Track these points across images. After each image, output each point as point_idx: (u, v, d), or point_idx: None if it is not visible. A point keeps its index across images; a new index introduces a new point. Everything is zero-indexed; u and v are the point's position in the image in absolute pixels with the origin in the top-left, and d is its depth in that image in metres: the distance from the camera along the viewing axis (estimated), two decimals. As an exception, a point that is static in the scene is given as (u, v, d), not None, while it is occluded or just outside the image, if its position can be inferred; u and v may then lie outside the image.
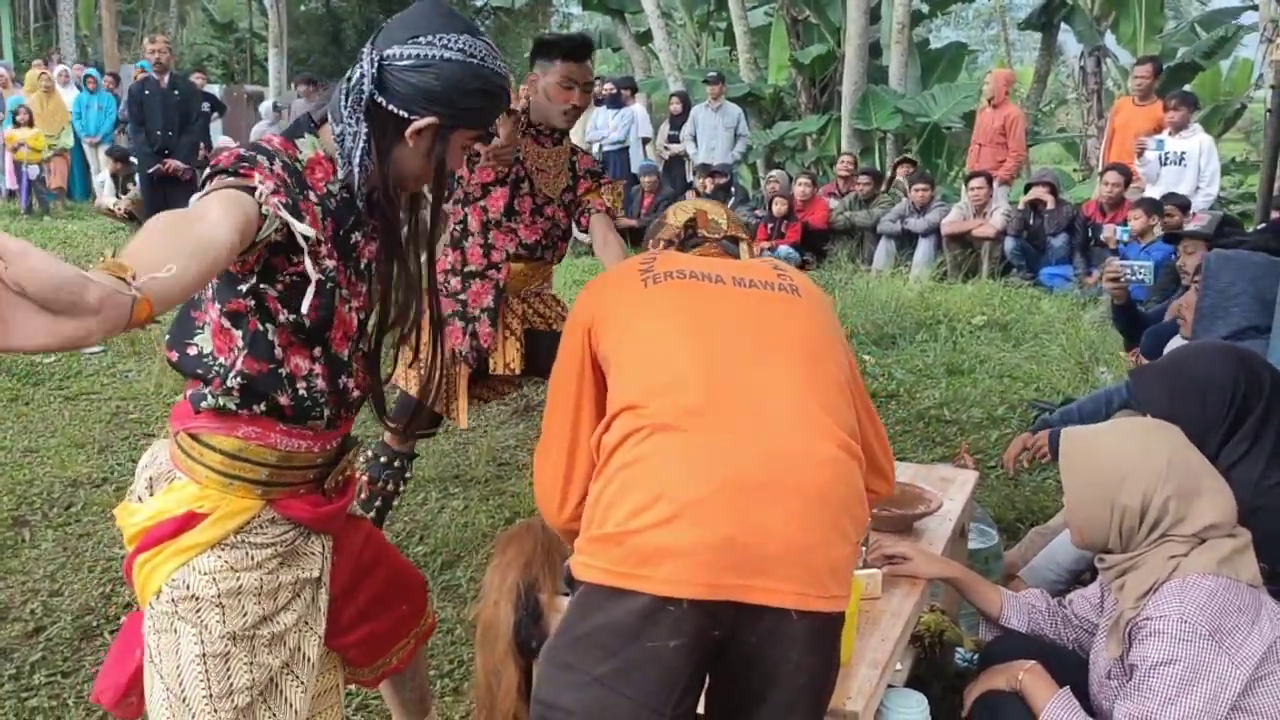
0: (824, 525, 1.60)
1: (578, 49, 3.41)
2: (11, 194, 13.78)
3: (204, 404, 1.79)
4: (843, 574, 1.63)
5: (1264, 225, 5.00)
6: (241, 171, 1.59)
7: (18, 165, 13.34)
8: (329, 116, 1.80)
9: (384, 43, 1.76)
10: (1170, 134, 8.51)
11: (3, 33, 22.76)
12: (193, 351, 1.80)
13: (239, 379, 1.75)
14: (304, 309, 1.71)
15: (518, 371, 3.48)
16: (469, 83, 1.75)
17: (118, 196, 12.17)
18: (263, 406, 1.79)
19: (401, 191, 1.87)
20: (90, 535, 4.02)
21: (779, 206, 10.18)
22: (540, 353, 3.41)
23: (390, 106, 1.75)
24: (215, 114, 10.96)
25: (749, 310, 1.81)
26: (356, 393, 1.94)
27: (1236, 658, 2.02)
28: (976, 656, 2.95)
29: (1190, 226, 5.66)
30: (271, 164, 1.65)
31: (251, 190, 1.54)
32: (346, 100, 1.75)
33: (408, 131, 1.76)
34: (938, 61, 14.70)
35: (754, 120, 14.05)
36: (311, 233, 1.62)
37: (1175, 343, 3.73)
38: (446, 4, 1.82)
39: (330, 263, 1.77)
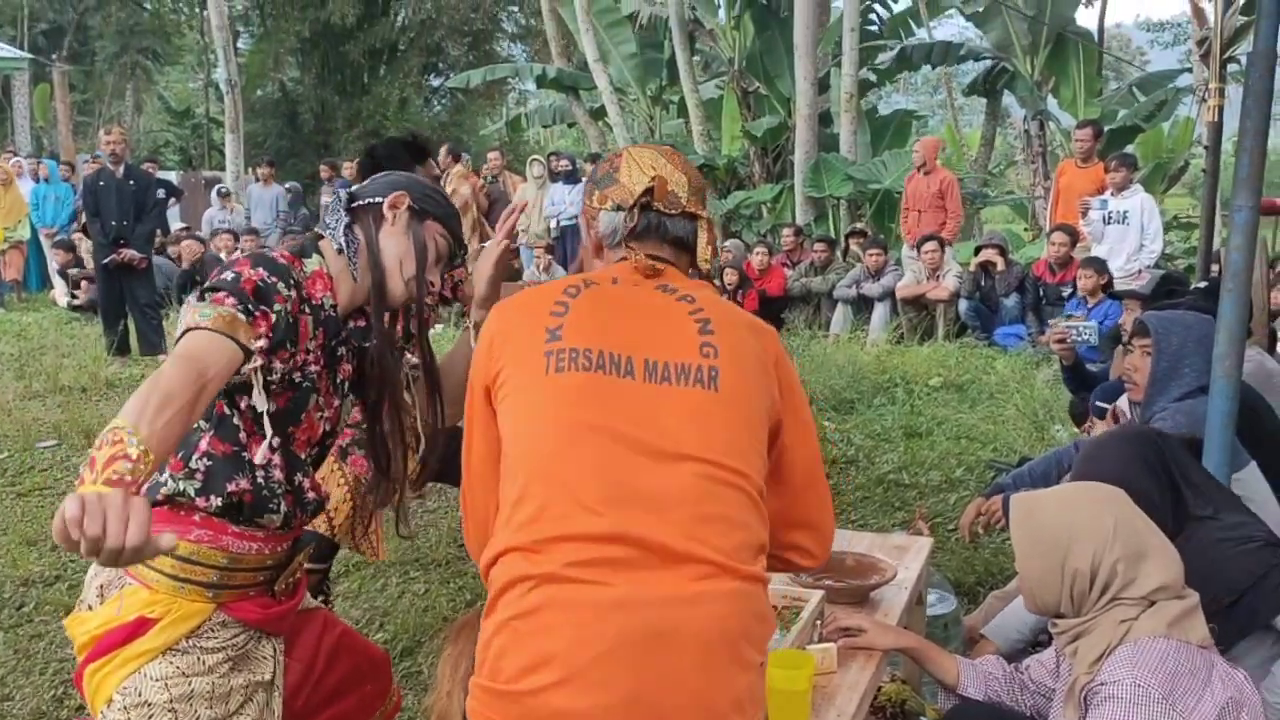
0: (726, 663, 1.53)
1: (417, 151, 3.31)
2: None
3: (162, 490, 1.81)
4: (747, 702, 1.57)
5: (1204, 283, 5.11)
6: (251, 312, 1.74)
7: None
8: (323, 232, 1.99)
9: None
10: (1113, 194, 8.70)
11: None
12: None
13: (204, 460, 1.80)
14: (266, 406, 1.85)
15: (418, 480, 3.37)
16: (424, 187, 2.02)
17: (71, 295, 12.10)
18: (219, 501, 1.82)
19: (389, 289, 1.98)
20: (42, 636, 3.91)
21: (730, 277, 10.27)
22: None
23: (365, 199, 2.00)
24: (172, 200, 10.97)
25: (654, 418, 1.61)
26: (312, 494, 1.98)
27: None
28: (938, 726, 2.93)
29: (1133, 286, 5.77)
30: (289, 292, 1.82)
31: (247, 352, 1.72)
32: (329, 212, 1.97)
33: (385, 206, 1.96)
34: (886, 128, 15.01)
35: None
36: (271, 408, 1.82)
37: (1124, 401, 3.77)
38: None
39: (314, 368, 1.88)
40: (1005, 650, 3.18)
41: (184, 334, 1.68)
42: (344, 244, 1.94)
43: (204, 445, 1.81)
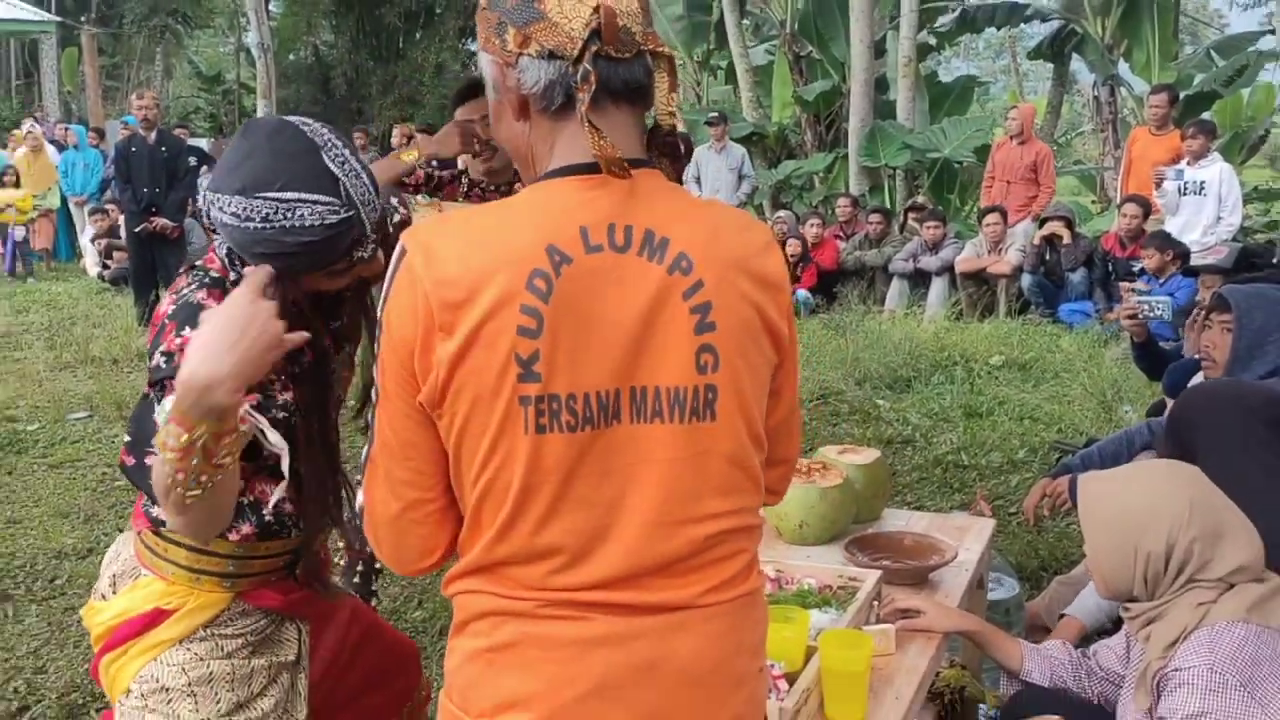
0: (720, 684, 1.39)
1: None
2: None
3: (164, 527, 1.77)
4: (749, 715, 1.44)
5: (1288, 255, 4.91)
6: None
7: (2, 226, 13.24)
8: None
9: (209, 183, 1.71)
10: (1189, 163, 8.43)
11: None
12: (149, 461, 1.73)
13: None
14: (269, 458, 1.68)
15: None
16: (252, 247, 1.63)
17: (103, 264, 12.22)
18: (226, 537, 1.77)
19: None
20: (76, 609, 3.91)
21: (793, 248, 10.10)
22: None
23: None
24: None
25: (642, 480, 1.33)
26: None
27: (1270, 709, 1.96)
28: (999, 713, 2.85)
29: (1209, 260, 5.57)
30: None
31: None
32: (205, 216, 1.71)
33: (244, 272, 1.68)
34: (947, 95, 14.71)
35: (758, 160, 14.05)
36: (283, 446, 1.58)
37: (1198, 379, 3.63)
38: (257, 127, 1.71)
39: (287, 396, 1.75)
40: (1090, 627, 3.08)
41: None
42: (230, 269, 1.72)
43: None
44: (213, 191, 1.64)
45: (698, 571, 1.36)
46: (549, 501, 1.29)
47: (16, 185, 13.21)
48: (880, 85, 13.93)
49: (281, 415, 1.73)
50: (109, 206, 12.43)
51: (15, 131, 15.14)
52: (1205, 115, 11.97)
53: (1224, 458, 2.49)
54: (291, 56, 22.61)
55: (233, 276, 1.72)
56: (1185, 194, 8.38)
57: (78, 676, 3.47)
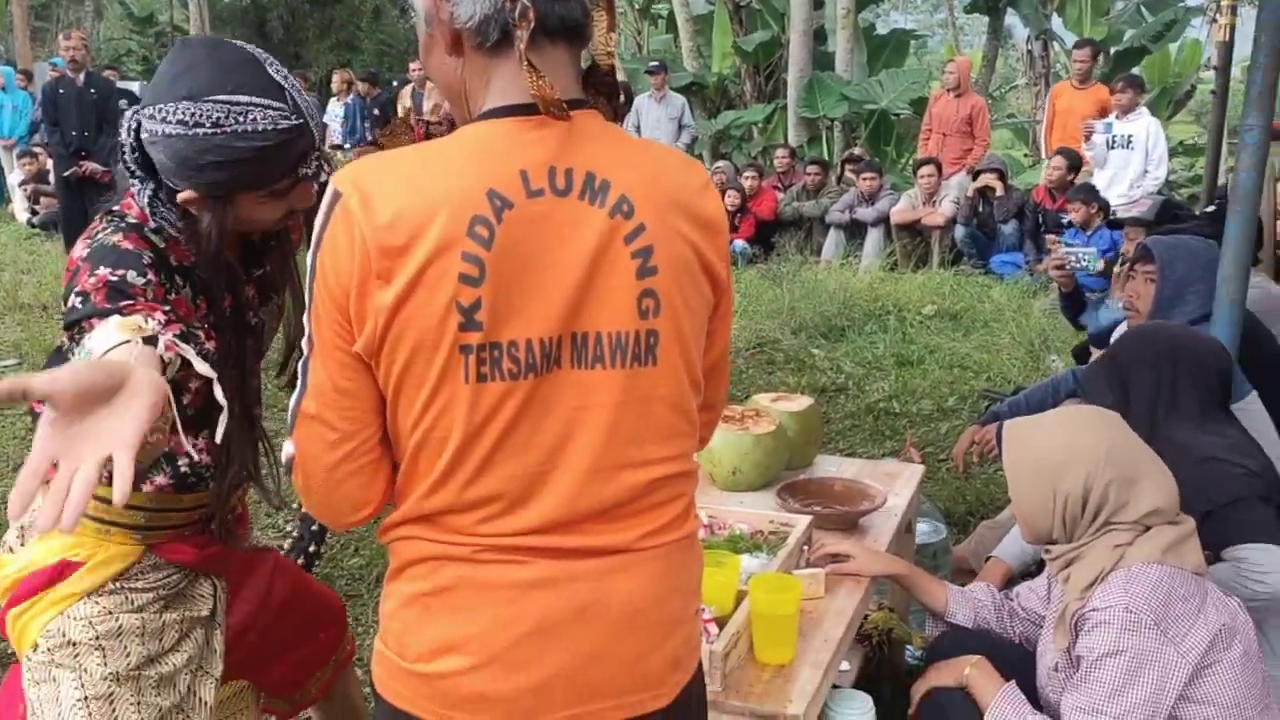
0: (657, 624, 1.39)
1: None
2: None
3: None
4: (685, 654, 1.45)
5: (1211, 208, 5.01)
6: (125, 310, 1.48)
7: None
8: None
9: (144, 100, 1.63)
10: (1118, 117, 8.55)
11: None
12: None
13: None
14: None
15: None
16: (198, 158, 1.55)
17: (31, 210, 11.85)
18: (140, 488, 1.72)
19: (217, 259, 1.67)
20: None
21: (731, 199, 10.10)
22: None
23: (160, 173, 1.63)
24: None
25: (582, 428, 1.31)
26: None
27: (1182, 647, 2.02)
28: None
29: (1134, 213, 5.68)
30: (145, 278, 1.56)
31: (152, 339, 1.42)
32: (126, 168, 1.64)
33: (178, 202, 1.61)
34: (884, 47, 14.72)
35: (698, 110, 14.00)
36: (211, 373, 1.49)
37: (1122, 329, 3.72)
38: (195, 45, 1.65)
39: (210, 345, 1.69)
40: (1016, 569, 3.16)
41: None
42: (162, 224, 1.64)
43: None
44: (151, 105, 1.57)
45: (636, 516, 1.36)
46: (488, 450, 1.27)
47: None
48: (819, 37, 13.90)
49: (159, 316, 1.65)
50: (37, 150, 12.04)
51: None
52: (1134, 70, 12.13)
53: (1155, 399, 2.56)
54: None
55: (153, 225, 1.65)
56: (1114, 147, 8.50)
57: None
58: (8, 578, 1.77)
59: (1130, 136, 8.46)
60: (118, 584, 1.75)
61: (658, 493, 1.38)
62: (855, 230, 10.01)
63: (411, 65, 12.24)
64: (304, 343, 1.29)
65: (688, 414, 1.40)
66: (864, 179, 9.98)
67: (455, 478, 1.29)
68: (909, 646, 3.05)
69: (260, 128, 1.56)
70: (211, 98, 1.54)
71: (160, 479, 1.74)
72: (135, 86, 14.28)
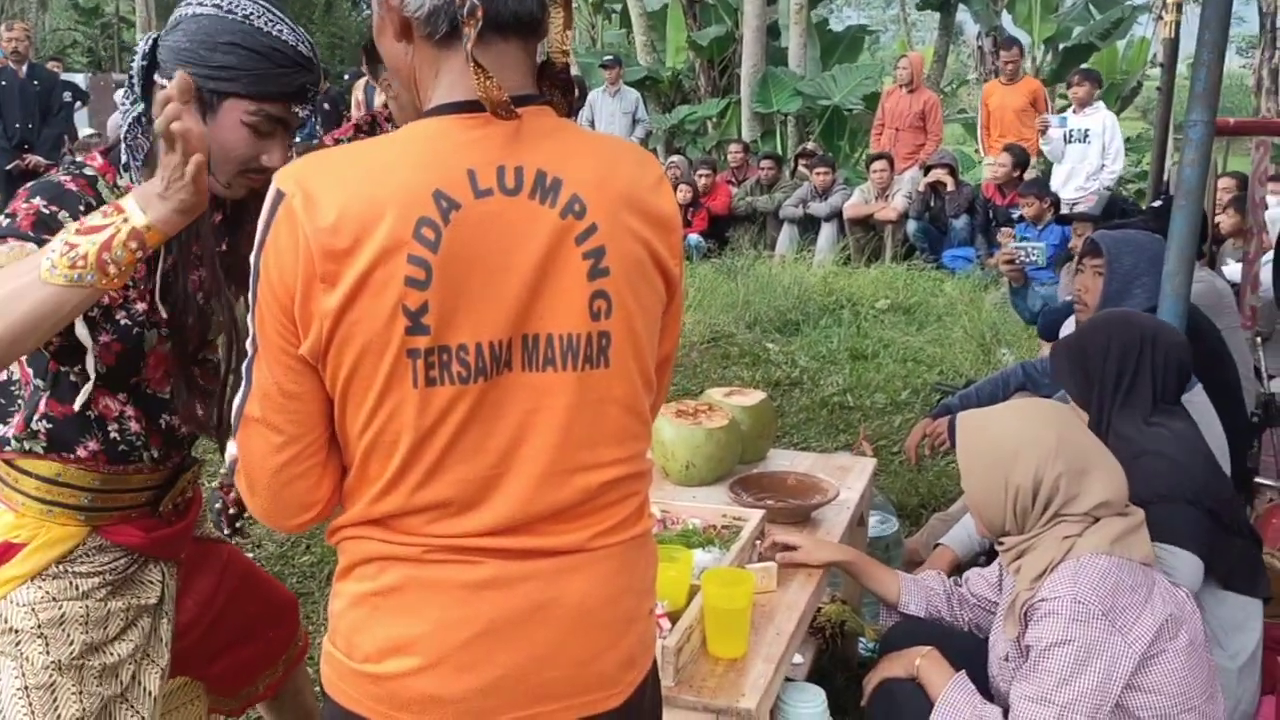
0: (610, 623, 1.37)
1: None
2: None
3: (8, 448, 1.69)
4: (640, 653, 1.44)
5: (1157, 203, 5.08)
6: (43, 240, 1.47)
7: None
8: None
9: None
10: (1074, 111, 8.64)
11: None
12: (1, 377, 1.70)
13: (44, 422, 1.66)
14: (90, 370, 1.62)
15: None
16: (219, 36, 1.56)
17: None
18: (74, 453, 1.69)
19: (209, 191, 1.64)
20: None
21: (684, 194, 10.11)
22: None
23: (158, 79, 1.60)
24: (78, 103, 10.44)
25: (532, 431, 1.29)
26: (184, 429, 1.81)
27: (1129, 637, 2.04)
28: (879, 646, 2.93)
29: (1080, 208, 5.74)
30: (75, 216, 1.54)
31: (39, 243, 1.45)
32: (129, 82, 1.63)
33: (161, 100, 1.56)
34: (838, 43, 14.83)
35: (652, 104, 14.01)
36: (88, 341, 1.53)
37: (1070, 325, 3.75)
38: None
39: (140, 306, 1.66)
40: (963, 556, 3.18)
41: None
42: (130, 154, 1.60)
43: (43, 406, 1.67)
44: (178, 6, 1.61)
45: (589, 516, 1.34)
46: (438, 454, 1.25)
47: None
48: (773, 32, 13.96)
49: (129, 324, 1.65)
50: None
51: None
52: (1084, 66, 12.28)
53: (1115, 388, 2.58)
54: (170, -10, 21.68)
55: (121, 184, 1.63)
56: (1070, 141, 8.59)
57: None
58: None
59: (1087, 130, 8.55)
60: (61, 567, 1.71)
61: (610, 493, 1.36)
62: (808, 225, 10.05)
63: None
64: (249, 344, 1.26)
65: (640, 415, 1.38)
66: (817, 174, 10.02)
67: (405, 481, 1.26)
68: (861, 639, 3.06)
69: (283, 38, 1.60)
70: (260, 2, 1.61)
71: (93, 444, 1.70)
72: (80, 79, 14.05)
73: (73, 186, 1.59)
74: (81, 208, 1.57)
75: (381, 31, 1.33)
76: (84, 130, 11.94)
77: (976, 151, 14.91)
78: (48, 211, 1.54)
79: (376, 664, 1.30)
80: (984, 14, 14.42)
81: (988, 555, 3.16)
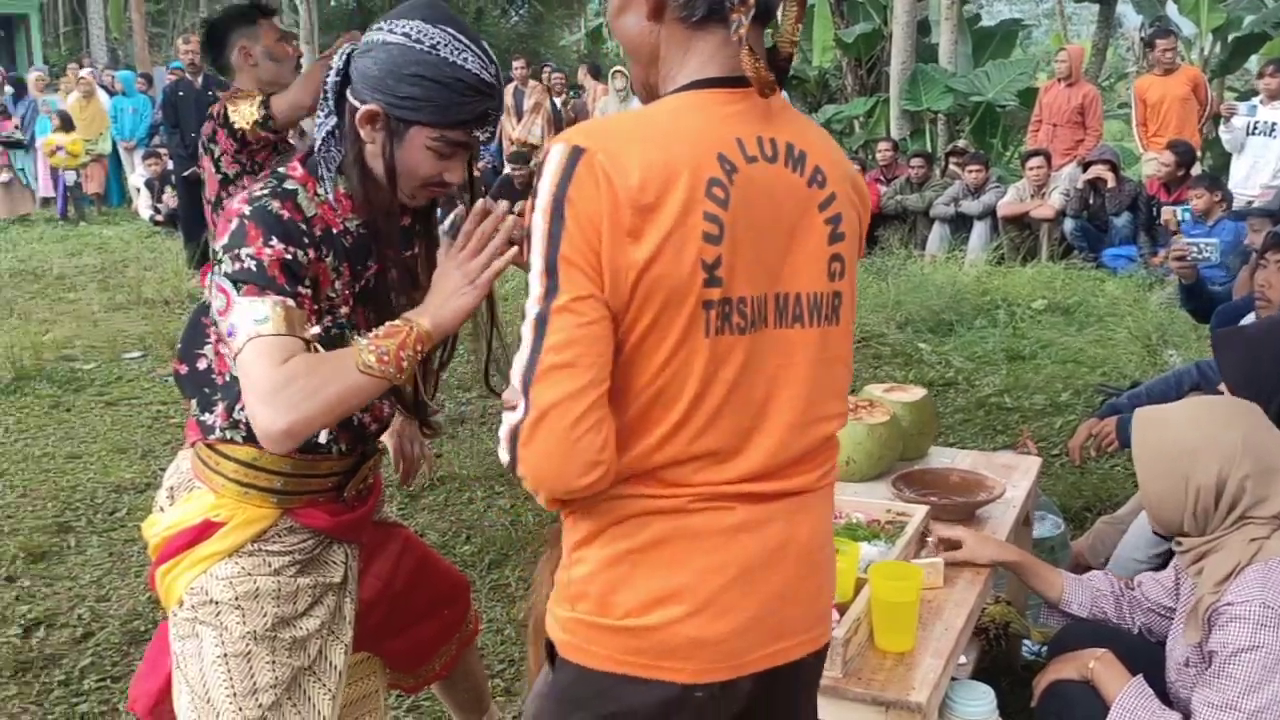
0: (824, 563, 1.50)
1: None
2: (46, 201, 13.79)
3: (212, 436, 1.81)
4: (831, 599, 1.57)
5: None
6: (299, 299, 1.65)
7: (54, 171, 13.35)
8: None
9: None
10: (1263, 102, 8.16)
11: (33, 38, 23.13)
12: (201, 365, 1.82)
13: (244, 413, 1.75)
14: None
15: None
16: (406, 67, 1.64)
17: (154, 208, 12.28)
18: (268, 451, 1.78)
19: (379, 196, 1.75)
20: (135, 540, 4.02)
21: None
22: None
23: (350, 97, 1.70)
24: None
25: (785, 369, 1.40)
26: (374, 425, 1.92)
27: None
28: (1043, 648, 2.86)
29: (1258, 203, 5.48)
30: (308, 256, 1.68)
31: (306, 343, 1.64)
32: (324, 95, 1.73)
33: (356, 119, 1.68)
34: (990, 38, 14.42)
35: (799, 104, 13.89)
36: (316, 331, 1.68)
37: (1249, 319, 3.59)
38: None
39: (344, 309, 1.76)
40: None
41: (246, 343, 1.58)
42: (324, 165, 1.73)
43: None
44: (387, 20, 1.69)
45: (815, 459, 1.45)
46: (717, 403, 1.34)
47: (67, 130, 13.13)
48: (922, 28, 13.67)
49: (331, 326, 1.74)
50: (161, 151, 12.45)
51: (67, 75, 15.19)
52: (1253, 59, 11.66)
53: None
54: (333, 2, 22.59)
55: (321, 192, 1.73)
56: (1254, 133, 8.14)
57: (139, 605, 3.56)
58: (157, 536, 1.87)
59: (1274, 124, 8.08)
60: (255, 545, 1.82)
61: (832, 441, 1.49)
62: (960, 224, 9.83)
63: (514, 64, 12.35)
64: (534, 301, 1.29)
65: (851, 370, 1.53)
66: (970, 171, 9.80)
67: (686, 429, 1.34)
68: (1026, 641, 3.00)
69: (468, 67, 1.66)
70: (442, 26, 1.66)
71: None
72: (249, 88, 14.74)
73: (284, 213, 1.68)
74: (306, 240, 1.68)
75: (624, 10, 1.41)
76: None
77: (1137, 146, 14.39)
78: (289, 257, 1.65)
79: (639, 617, 1.36)
80: (1146, 4, 13.86)
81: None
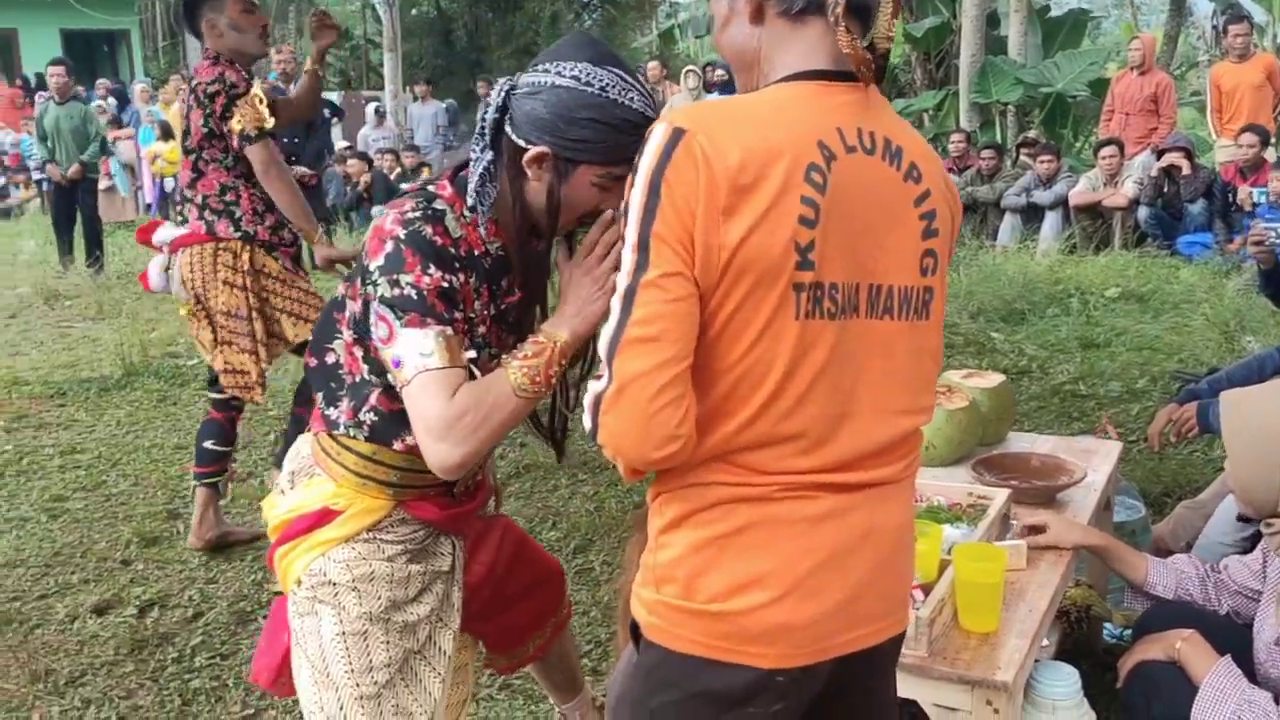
0: (906, 549, 1.53)
1: None
2: (149, 207, 14.25)
3: (337, 431, 1.87)
4: (911, 582, 1.61)
5: None
6: (456, 326, 1.69)
7: (156, 178, 13.78)
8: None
9: (524, 73, 1.75)
10: None
11: (134, 51, 23.82)
12: (330, 360, 1.88)
13: (371, 414, 1.82)
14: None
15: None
16: (577, 111, 1.66)
17: None
18: (391, 445, 1.85)
19: (533, 230, 1.79)
20: (239, 526, 4.19)
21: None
22: None
23: (512, 134, 1.73)
24: (335, 119, 11.20)
25: (874, 360, 1.41)
26: None
27: None
28: (1125, 631, 2.87)
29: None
30: (455, 273, 1.71)
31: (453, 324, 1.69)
32: (480, 130, 1.75)
33: (524, 160, 1.71)
34: (1059, 29, 14.21)
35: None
36: (476, 372, 1.71)
37: (1331, 302, 3.55)
38: (593, 36, 1.77)
39: (481, 329, 1.80)
40: None
41: (415, 376, 1.63)
42: (474, 193, 1.73)
43: (373, 399, 1.83)
44: (547, 62, 1.71)
45: (899, 450, 1.47)
46: (805, 386, 1.35)
47: (167, 139, 13.52)
48: (991, 20, 13.52)
49: (472, 352, 1.77)
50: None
51: (168, 86, 15.62)
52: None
53: None
54: (414, 11, 22.88)
55: (468, 212, 1.75)
56: None
57: (245, 587, 3.70)
58: (277, 518, 1.95)
59: None
60: (370, 534, 1.89)
61: (916, 434, 1.51)
62: (1032, 214, 9.76)
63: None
64: (624, 275, 1.32)
65: (940, 366, 1.54)
66: (1041, 161, 9.72)
67: (768, 415, 1.35)
68: (1107, 624, 3.00)
69: (635, 106, 1.68)
70: (609, 67, 1.69)
71: (409, 439, 1.84)
72: (334, 97, 15.13)
73: (437, 239, 1.71)
74: (456, 265, 1.72)
75: (729, 23, 1.46)
76: (338, 143, 12.80)
77: (1211, 134, 14.11)
78: (446, 285, 1.69)
79: (724, 602, 1.39)
80: (1219, -10, 13.59)
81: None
